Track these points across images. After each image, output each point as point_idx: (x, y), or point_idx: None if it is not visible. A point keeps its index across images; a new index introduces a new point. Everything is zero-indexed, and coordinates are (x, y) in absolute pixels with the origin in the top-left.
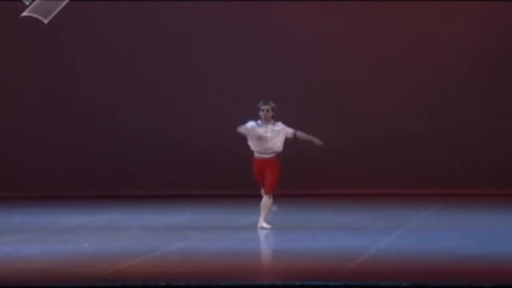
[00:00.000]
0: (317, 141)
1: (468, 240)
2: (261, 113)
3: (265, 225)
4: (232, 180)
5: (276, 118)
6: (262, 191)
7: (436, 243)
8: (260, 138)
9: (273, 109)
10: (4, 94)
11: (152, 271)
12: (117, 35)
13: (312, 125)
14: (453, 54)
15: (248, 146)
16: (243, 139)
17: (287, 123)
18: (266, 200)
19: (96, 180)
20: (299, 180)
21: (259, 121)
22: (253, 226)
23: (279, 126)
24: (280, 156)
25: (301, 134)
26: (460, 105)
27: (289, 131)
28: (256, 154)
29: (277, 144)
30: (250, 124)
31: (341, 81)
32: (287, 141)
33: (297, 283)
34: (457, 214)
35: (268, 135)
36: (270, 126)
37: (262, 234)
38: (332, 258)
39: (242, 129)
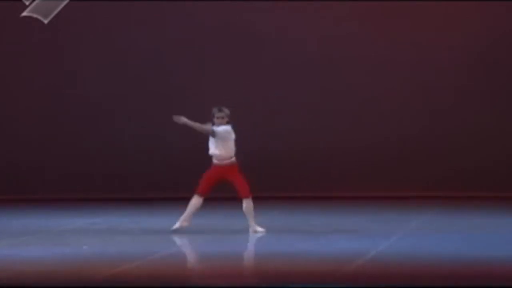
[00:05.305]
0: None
1: (468, 243)
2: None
3: (258, 228)
4: None
5: (274, 120)
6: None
7: (436, 246)
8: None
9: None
10: (4, 94)
11: (151, 273)
12: (117, 35)
13: (312, 127)
14: (453, 56)
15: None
16: (242, 140)
17: (287, 125)
18: (248, 204)
19: (95, 183)
20: (298, 182)
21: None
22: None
23: None
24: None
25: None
26: (461, 107)
27: None
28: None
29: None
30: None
31: (341, 82)
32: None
33: (296, 285)
34: (457, 217)
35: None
36: None
37: (260, 237)
38: (331, 261)
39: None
